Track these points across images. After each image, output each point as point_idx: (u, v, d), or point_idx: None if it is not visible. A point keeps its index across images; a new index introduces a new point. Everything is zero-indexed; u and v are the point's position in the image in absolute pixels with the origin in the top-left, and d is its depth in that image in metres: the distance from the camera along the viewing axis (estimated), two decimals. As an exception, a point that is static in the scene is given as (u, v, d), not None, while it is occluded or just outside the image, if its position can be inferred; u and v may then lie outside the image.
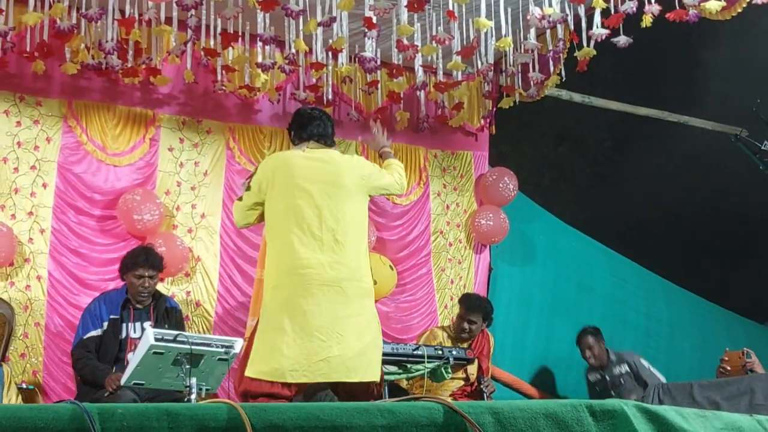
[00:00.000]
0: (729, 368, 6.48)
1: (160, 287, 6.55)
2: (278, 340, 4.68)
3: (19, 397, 6.16)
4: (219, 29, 6.71)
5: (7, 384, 5.91)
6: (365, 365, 4.81)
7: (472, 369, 6.95)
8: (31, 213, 6.74)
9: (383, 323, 7.61)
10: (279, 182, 4.97)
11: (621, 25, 6.48)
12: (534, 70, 7.58)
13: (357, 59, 7.07)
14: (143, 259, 6.02)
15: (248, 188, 5.06)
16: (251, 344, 4.81)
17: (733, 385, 6.03)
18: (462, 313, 7.08)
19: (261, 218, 5.13)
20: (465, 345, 6.96)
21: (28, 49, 6.53)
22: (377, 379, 4.90)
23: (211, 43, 6.79)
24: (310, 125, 5.23)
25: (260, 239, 7.32)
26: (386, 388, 6.09)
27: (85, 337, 5.82)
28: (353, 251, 4.94)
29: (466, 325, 7.01)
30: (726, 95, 10.46)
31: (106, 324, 5.85)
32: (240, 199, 5.16)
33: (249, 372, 4.64)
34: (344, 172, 5.06)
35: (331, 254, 4.85)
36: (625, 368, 7.61)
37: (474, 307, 7.08)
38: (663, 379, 7.35)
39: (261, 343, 4.73)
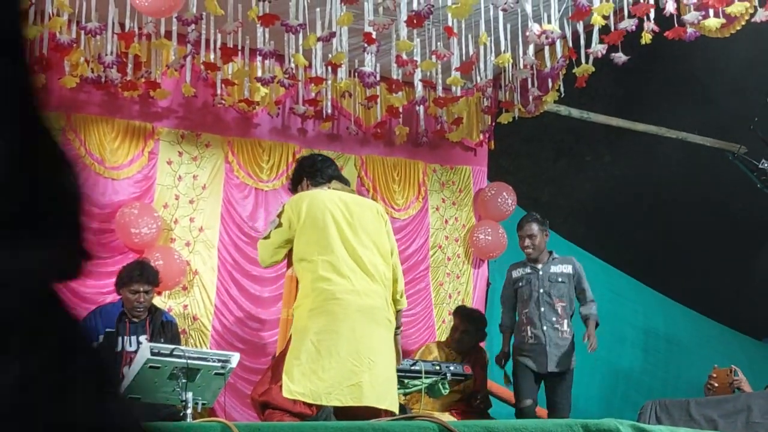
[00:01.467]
0: (716, 385, 6.50)
1: (157, 301, 6.54)
2: (315, 363, 4.75)
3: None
4: (219, 43, 6.74)
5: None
6: (392, 394, 4.97)
7: (467, 384, 6.93)
8: (29, 226, 6.73)
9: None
10: (310, 216, 5.03)
11: (620, 42, 6.50)
12: (533, 85, 7.59)
13: (356, 74, 7.09)
14: (138, 274, 6.01)
15: (279, 225, 5.09)
16: (280, 362, 4.87)
17: (730, 402, 6.03)
18: (458, 324, 7.11)
19: (287, 256, 5.18)
20: (461, 360, 6.96)
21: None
22: (396, 410, 4.99)
23: (211, 57, 6.80)
24: (328, 168, 5.38)
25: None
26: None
27: None
28: (382, 284, 5.08)
29: (459, 335, 7.07)
30: (724, 112, 10.48)
31: (101, 337, 5.84)
32: (267, 237, 5.17)
33: (286, 393, 4.69)
34: (372, 213, 5.25)
35: (365, 283, 4.98)
36: (568, 269, 6.80)
37: (471, 316, 7.20)
38: (592, 299, 6.74)
39: (297, 365, 4.76)
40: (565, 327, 6.65)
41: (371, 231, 5.14)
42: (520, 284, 6.84)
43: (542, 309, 6.67)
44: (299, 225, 5.02)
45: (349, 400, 4.76)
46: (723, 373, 6.54)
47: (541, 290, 6.71)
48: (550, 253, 6.92)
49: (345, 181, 5.43)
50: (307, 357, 4.76)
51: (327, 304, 4.87)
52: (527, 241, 6.81)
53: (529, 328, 6.70)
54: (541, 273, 6.78)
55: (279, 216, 5.13)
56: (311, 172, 5.36)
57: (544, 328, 6.63)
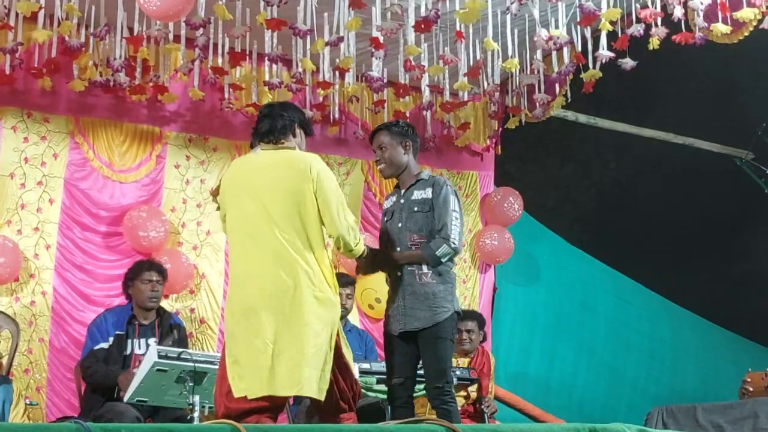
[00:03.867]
0: (751, 389, 6.42)
1: (165, 304, 6.56)
2: (238, 355, 4.44)
3: (26, 414, 6.18)
4: (227, 48, 6.75)
5: (15, 400, 5.92)
6: (305, 379, 4.40)
7: (473, 388, 6.93)
8: (37, 229, 6.76)
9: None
10: (230, 192, 4.70)
11: (627, 48, 6.51)
12: (540, 91, 7.60)
13: (364, 78, 7.10)
14: (148, 265, 6.09)
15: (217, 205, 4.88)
16: (222, 365, 4.52)
17: (737, 408, 6.01)
18: (463, 326, 7.07)
19: None
20: (466, 364, 6.95)
21: (36, 66, 6.57)
22: (314, 395, 4.44)
23: (219, 61, 6.81)
24: (258, 124, 4.81)
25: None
26: (389, 408, 6.08)
27: (95, 348, 5.82)
28: (302, 258, 4.52)
29: (465, 335, 6.99)
30: (731, 118, 10.47)
31: (111, 339, 5.85)
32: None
33: (236, 392, 4.35)
34: (287, 175, 4.62)
35: (276, 262, 4.49)
36: (428, 193, 5.08)
37: (467, 314, 7.04)
38: (450, 238, 4.97)
39: (230, 362, 4.45)
40: (425, 270, 5.01)
41: (284, 199, 4.55)
42: (386, 219, 5.28)
43: (398, 249, 5.09)
44: (225, 202, 4.72)
45: (267, 390, 4.36)
46: (758, 376, 6.46)
47: (399, 224, 5.13)
48: (418, 174, 5.23)
49: (273, 138, 4.74)
50: (232, 350, 4.45)
51: (238, 291, 4.56)
52: (377, 154, 5.25)
53: (388, 278, 5.23)
54: (402, 201, 5.19)
55: (216, 192, 4.88)
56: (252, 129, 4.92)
57: (398, 273, 5.05)
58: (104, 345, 5.84)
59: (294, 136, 4.79)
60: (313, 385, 4.39)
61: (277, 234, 4.49)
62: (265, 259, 4.48)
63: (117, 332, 5.86)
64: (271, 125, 4.74)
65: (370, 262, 5.09)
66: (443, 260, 4.96)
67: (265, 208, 4.53)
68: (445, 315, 4.94)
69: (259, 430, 2.59)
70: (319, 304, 4.49)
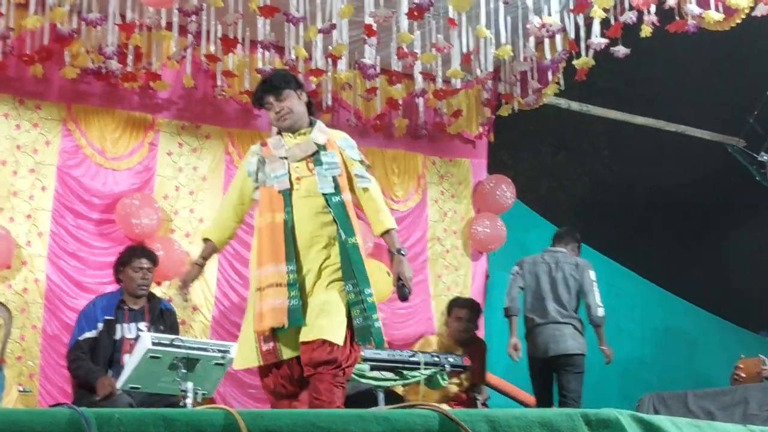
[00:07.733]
0: (744, 375, 6.45)
1: (157, 291, 6.55)
2: None
3: (19, 400, 6.17)
4: (219, 35, 6.74)
5: (7, 387, 5.91)
6: None
7: (465, 375, 6.95)
8: (29, 216, 6.75)
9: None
10: None
11: (620, 35, 6.52)
12: (533, 78, 7.60)
13: (357, 66, 7.10)
14: (140, 251, 6.05)
15: None
16: None
17: (727, 395, 6.05)
18: (458, 313, 7.10)
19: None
20: (460, 351, 6.97)
21: (28, 53, 6.55)
22: None
23: (212, 48, 6.81)
24: None
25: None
26: (382, 394, 6.10)
27: (80, 339, 5.81)
28: None
29: (458, 324, 7.04)
30: (723, 105, 10.50)
31: (101, 325, 5.82)
32: None
33: None
34: None
35: None
36: None
37: (461, 303, 7.16)
38: None
39: None
40: None
41: None
42: None
43: None
44: None
45: None
46: (750, 363, 6.48)
47: None
48: None
49: None
50: None
51: None
52: None
53: None
54: None
55: None
56: None
57: None
58: (90, 334, 5.81)
59: None
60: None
61: None
62: None
63: (106, 317, 5.84)
64: None
65: None
66: None
67: None
68: None
69: (252, 415, 2.61)
70: None
